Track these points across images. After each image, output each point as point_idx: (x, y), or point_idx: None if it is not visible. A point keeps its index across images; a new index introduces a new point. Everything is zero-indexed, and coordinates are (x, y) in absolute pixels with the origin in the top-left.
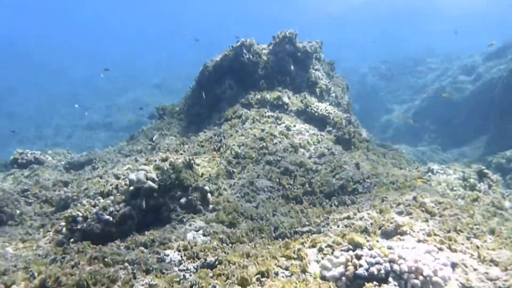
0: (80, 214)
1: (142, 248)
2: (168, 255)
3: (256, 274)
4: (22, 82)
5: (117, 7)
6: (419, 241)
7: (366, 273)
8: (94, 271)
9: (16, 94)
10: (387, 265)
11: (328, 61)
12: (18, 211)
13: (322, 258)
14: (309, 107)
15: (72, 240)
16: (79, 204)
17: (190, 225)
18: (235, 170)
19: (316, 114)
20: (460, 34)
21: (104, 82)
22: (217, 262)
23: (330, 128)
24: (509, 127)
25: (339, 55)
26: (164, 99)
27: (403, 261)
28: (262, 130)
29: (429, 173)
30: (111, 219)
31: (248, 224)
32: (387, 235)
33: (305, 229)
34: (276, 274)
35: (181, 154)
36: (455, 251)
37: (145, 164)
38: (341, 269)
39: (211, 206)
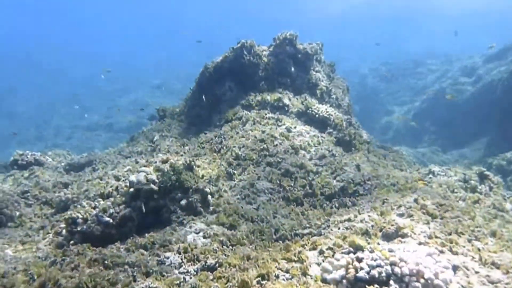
0: (80, 216)
1: (142, 250)
2: (168, 258)
3: (257, 277)
4: (22, 83)
5: (117, 7)
6: (420, 243)
7: (367, 276)
8: (94, 274)
9: (16, 94)
10: (388, 268)
11: (328, 63)
12: (17, 213)
13: (323, 261)
14: (310, 109)
15: (72, 242)
16: (79, 206)
17: (190, 227)
18: (235, 171)
19: (317, 115)
20: (460, 34)
21: (104, 83)
22: (217, 265)
23: (331, 130)
24: (510, 128)
25: (339, 56)
26: (164, 100)
27: (404, 264)
28: (263, 132)
29: (430, 175)
30: (111, 221)
31: (249, 226)
32: (388, 237)
33: (305, 231)
34: (277, 277)
35: (182, 155)
36: (457, 253)
37: (145, 166)
38: (342, 272)
39: (211, 208)
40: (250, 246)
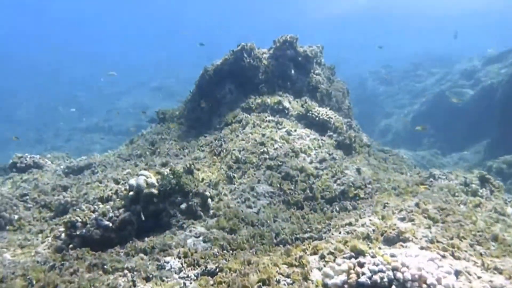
0: (79, 220)
1: (142, 255)
2: (168, 262)
3: (258, 282)
4: (21, 84)
5: (116, 7)
6: (422, 248)
7: (369, 281)
8: (93, 279)
9: (15, 96)
10: (390, 273)
11: (328, 66)
12: (16, 216)
13: (324, 266)
14: (310, 112)
15: (71, 246)
16: (78, 210)
17: (190, 231)
18: (235, 175)
19: (317, 118)
20: (461, 35)
21: (104, 84)
22: (217, 270)
23: (331, 133)
24: (510, 131)
25: (339, 57)
26: (164, 102)
27: (406, 269)
28: (263, 135)
29: (431, 179)
30: (110, 224)
31: (249, 230)
32: (389, 241)
33: (306, 235)
34: (278, 282)
35: (181, 158)
36: (459, 258)
37: (145, 169)
38: (343, 277)
39: (211, 212)
40: (251, 251)
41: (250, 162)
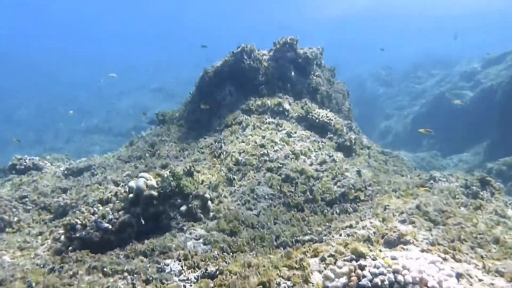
0: (79, 222)
1: (141, 257)
2: (168, 265)
3: (258, 285)
4: (21, 85)
5: (116, 7)
6: (422, 250)
7: (369, 284)
8: (93, 281)
9: (15, 96)
10: (391, 276)
11: (328, 67)
12: (16, 218)
13: (325, 268)
14: (310, 114)
15: (70, 248)
16: (78, 212)
17: (190, 233)
18: (235, 177)
19: (317, 120)
20: (461, 35)
21: (104, 86)
22: (218, 272)
23: (331, 135)
24: (509, 133)
25: (338, 57)
26: (164, 104)
27: (407, 272)
28: (263, 137)
29: (431, 181)
30: (110, 227)
31: (249, 232)
32: (390, 244)
33: (306, 237)
34: (278, 284)
35: (181, 160)
36: (460, 261)
37: (144, 171)
38: (344, 279)
39: (211, 214)
40: (251, 253)
41: (250, 164)
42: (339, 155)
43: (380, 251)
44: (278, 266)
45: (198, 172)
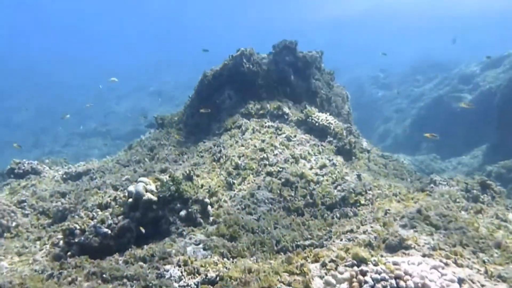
0: (78, 227)
1: (141, 263)
2: (167, 271)
3: None
4: (20, 86)
5: (116, 7)
6: (424, 255)
7: None
8: None
9: (13, 99)
10: (393, 281)
11: (328, 71)
12: (14, 223)
13: (326, 274)
14: (310, 117)
15: (69, 253)
16: (76, 217)
17: (190, 238)
18: (235, 181)
19: (317, 124)
20: (460, 36)
21: (103, 88)
22: (218, 278)
23: (331, 139)
24: (508, 135)
25: (338, 60)
26: (162, 107)
27: (410, 278)
28: (263, 141)
29: (432, 185)
30: (109, 232)
31: (249, 237)
32: (391, 249)
33: (307, 242)
34: None
35: (180, 164)
36: (462, 266)
37: (144, 175)
38: (345, 285)
39: (211, 219)
40: (251, 258)
41: (250, 168)
42: (339, 159)
43: (382, 256)
44: (278, 272)
45: (198, 176)
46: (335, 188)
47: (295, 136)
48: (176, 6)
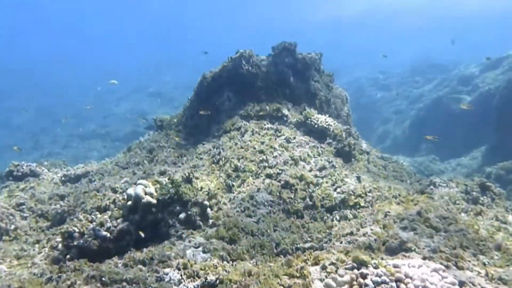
0: (77, 230)
1: (140, 266)
2: (167, 274)
3: None
4: (20, 87)
5: (116, 8)
6: (424, 258)
7: None
8: None
9: (13, 101)
10: (394, 284)
11: (327, 73)
12: (13, 226)
13: (326, 277)
14: (309, 119)
15: (68, 256)
16: (75, 219)
17: (189, 241)
18: (234, 183)
19: (316, 126)
20: (460, 35)
21: (102, 90)
22: (218, 281)
23: (330, 140)
24: (508, 137)
25: (337, 61)
26: (162, 109)
27: (410, 281)
28: (262, 143)
29: (431, 186)
30: (108, 235)
31: (249, 240)
32: (391, 251)
33: (307, 245)
34: None
35: (180, 166)
36: (462, 268)
37: (143, 178)
38: None
39: (210, 221)
40: (251, 261)
41: (249, 171)
42: (338, 161)
43: (382, 259)
44: (278, 275)
45: (197, 178)
46: (335, 190)
47: (294, 138)
48: (176, 6)
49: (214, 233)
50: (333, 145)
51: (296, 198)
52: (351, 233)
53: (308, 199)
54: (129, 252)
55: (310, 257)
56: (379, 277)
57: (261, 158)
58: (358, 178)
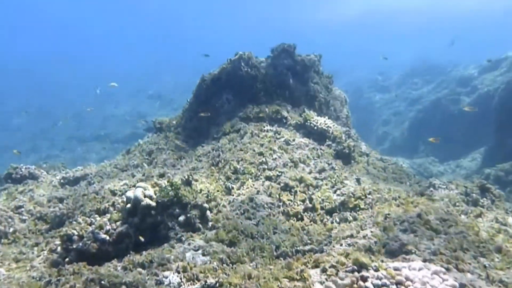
0: (76, 233)
1: (140, 269)
2: (167, 277)
3: None
4: (19, 89)
5: (115, 8)
6: (425, 260)
7: None
8: None
9: (13, 101)
10: (394, 287)
11: (326, 74)
12: (11, 229)
13: (326, 280)
14: (308, 121)
15: (67, 259)
16: (74, 222)
17: (189, 244)
18: (234, 186)
19: (315, 128)
20: (460, 36)
21: (101, 92)
22: (217, 284)
23: (330, 142)
24: (507, 138)
25: (336, 63)
26: (161, 111)
27: (411, 283)
28: (261, 145)
29: (431, 188)
30: (107, 238)
31: (249, 242)
32: (392, 254)
33: (307, 247)
34: None
35: (179, 169)
36: (463, 271)
37: (142, 180)
38: None
39: (210, 224)
40: (251, 264)
41: (248, 173)
42: (338, 163)
43: (382, 261)
44: (278, 278)
45: (196, 181)
46: (335, 192)
47: (294, 140)
48: (175, 6)
49: (214, 236)
50: (333, 147)
51: (296, 200)
52: (351, 236)
53: (307, 201)
54: (128, 255)
55: (310, 260)
56: (380, 279)
57: (260, 160)
58: (358, 180)
